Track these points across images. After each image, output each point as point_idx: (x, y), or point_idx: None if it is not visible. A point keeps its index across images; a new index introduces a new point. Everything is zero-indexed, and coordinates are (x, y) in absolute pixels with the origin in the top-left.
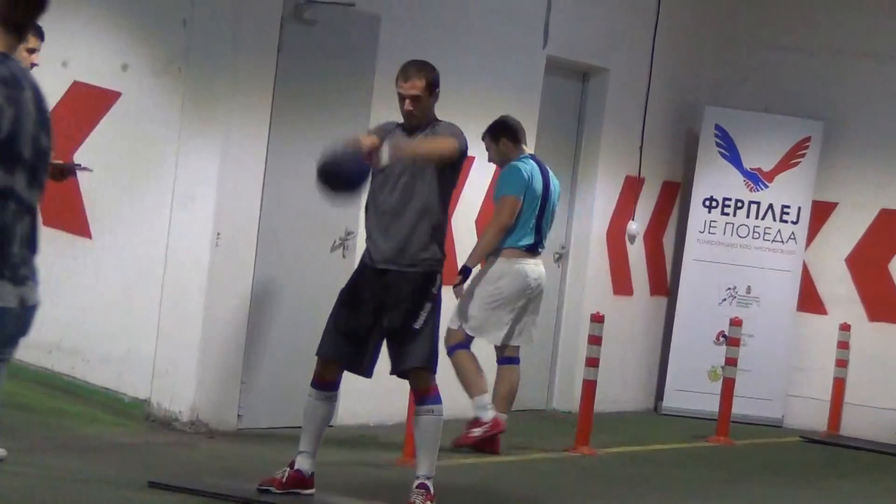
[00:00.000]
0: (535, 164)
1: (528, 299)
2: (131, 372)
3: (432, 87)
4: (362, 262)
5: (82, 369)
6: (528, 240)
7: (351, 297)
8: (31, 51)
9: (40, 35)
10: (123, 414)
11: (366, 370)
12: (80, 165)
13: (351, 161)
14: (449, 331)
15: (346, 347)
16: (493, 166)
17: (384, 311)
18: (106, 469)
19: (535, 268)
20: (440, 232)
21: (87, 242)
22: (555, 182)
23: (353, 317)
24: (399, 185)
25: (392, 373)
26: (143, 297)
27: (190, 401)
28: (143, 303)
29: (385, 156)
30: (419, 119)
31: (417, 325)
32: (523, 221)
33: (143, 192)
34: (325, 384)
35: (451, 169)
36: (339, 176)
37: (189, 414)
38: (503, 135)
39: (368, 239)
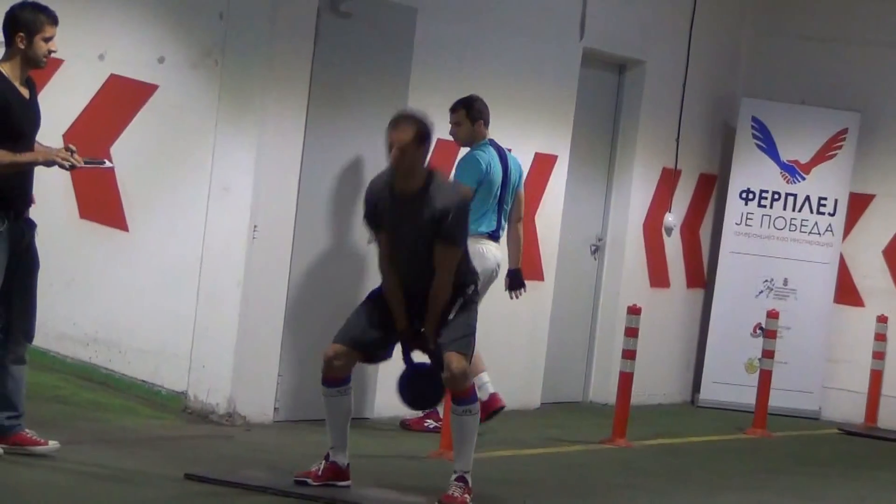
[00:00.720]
0: (493, 151)
1: (489, 282)
2: (168, 364)
3: (421, 138)
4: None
5: (119, 362)
6: (489, 226)
7: (382, 303)
8: (48, 39)
9: (53, 20)
10: (160, 406)
11: (385, 356)
12: (101, 161)
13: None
14: None
15: (369, 338)
16: (528, 156)
17: (413, 310)
18: (143, 462)
19: (496, 252)
20: (463, 271)
21: (123, 235)
22: (515, 163)
23: (383, 309)
24: (412, 256)
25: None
26: (179, 290)
27: (227, 393)
28: (180, 295)
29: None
30: (406, 171)
31: (451, 315)
32: (483, 209)
33: (180, 185)
34: (335, 380)
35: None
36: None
37: (226, 406)
38: (482, 117)
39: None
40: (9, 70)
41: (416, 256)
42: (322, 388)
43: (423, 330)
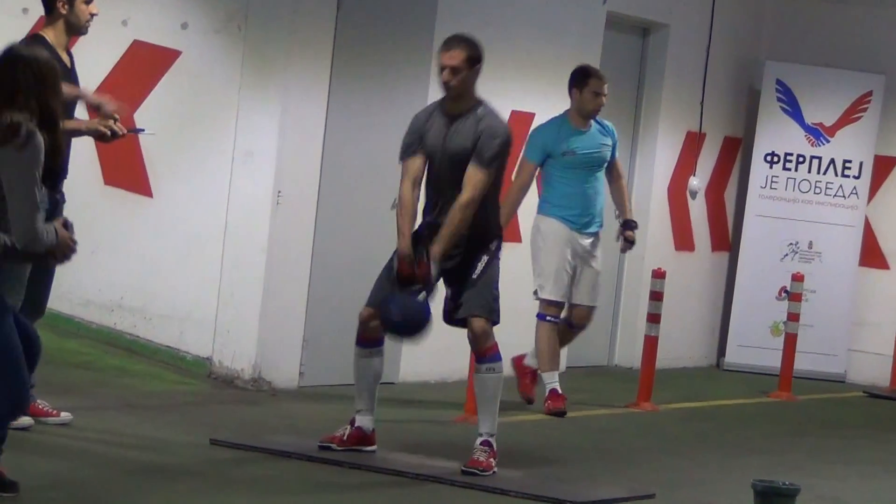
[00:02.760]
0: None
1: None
2: (193, 330)
3: (473, 61)
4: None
5: (144, 328)
6: None
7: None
8: (88, 1)
9: None
10: (185, 372)
11: None
12: (141, 130)
13: (418, 313)
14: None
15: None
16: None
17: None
18: (168, 427)
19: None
20: (488, 215)
21: (147, 201)
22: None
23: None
24: (445, 178)
25: (447, 320)
26: (204, 256)
27: (252, 359)
28: (205, 261)
29: (434, 269)
30: (458, 92)
31: (475, 275)
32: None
33: (204, 151)
34: (369, 340)
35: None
36: (415, 330)
37: (251, 372)
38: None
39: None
40: (53, 37)
41: (450, 181)
42: (355, 348)
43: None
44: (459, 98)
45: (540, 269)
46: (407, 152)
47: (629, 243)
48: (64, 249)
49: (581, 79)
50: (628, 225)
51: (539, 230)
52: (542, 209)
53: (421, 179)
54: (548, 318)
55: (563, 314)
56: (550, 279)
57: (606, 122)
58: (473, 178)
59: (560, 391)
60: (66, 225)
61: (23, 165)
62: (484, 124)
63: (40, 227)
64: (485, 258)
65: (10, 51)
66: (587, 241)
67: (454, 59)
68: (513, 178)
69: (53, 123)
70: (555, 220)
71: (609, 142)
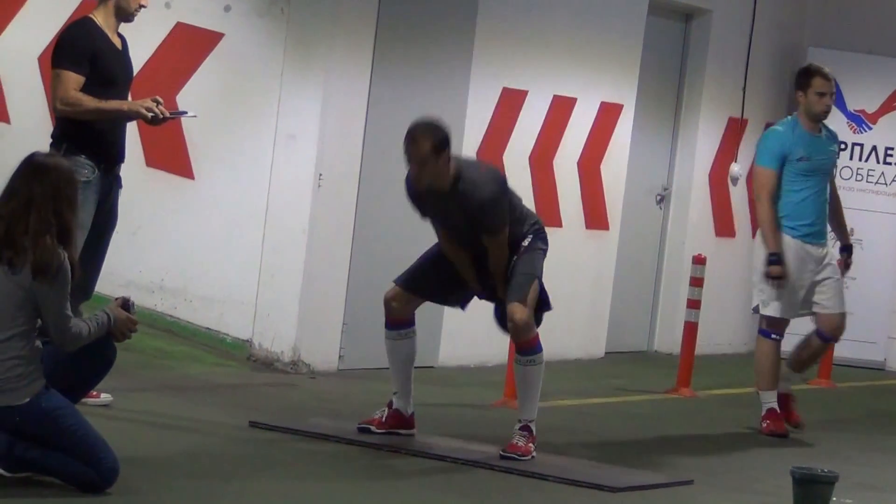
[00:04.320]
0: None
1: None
2: (233, 312)
3: (439, 149)
4: None
5: (185, 309)
6: None
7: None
8: None
9: None
10: (225, 354)
11: (455, 302)
12: (184, 112)
13: None
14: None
15: (431, 286)
16: (594, 106)
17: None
18: (208, 409)
19: None
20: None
21: (189, 183)
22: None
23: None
24: (464, 238)
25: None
26: (245, 238)
27: (291, 341)
28: (246, 243)
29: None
30: (430, 179)
31: (510, 272)
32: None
33: (246, 133)
34: (397, 322)
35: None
36: None
37: (291, 354)
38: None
39: None
40: (101, 19)
41: (467, 238)
42: (385, 331)
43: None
44: (435, 181)
45: (764, 283)
46: (421, 214)
47: (846, 268)
48: (123, 330)
49: (804, 80)
50: (848, 250)
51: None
52: None
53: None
54: (772, 335)
55: (786, 329)
56: (777, 296)
57: (830, 127)
58: (492, 244)
59: (779, 410)
60: (127, 305)
61: (57, 290)
62: (472, 202)
63: (75, 333)
64: (513, 258)
65: (31, 159)
66: (821, 252)
67: (419, 152)
68: (755, 194)
69: (67, 237)
70: (785, 237)
71: (836, 148)
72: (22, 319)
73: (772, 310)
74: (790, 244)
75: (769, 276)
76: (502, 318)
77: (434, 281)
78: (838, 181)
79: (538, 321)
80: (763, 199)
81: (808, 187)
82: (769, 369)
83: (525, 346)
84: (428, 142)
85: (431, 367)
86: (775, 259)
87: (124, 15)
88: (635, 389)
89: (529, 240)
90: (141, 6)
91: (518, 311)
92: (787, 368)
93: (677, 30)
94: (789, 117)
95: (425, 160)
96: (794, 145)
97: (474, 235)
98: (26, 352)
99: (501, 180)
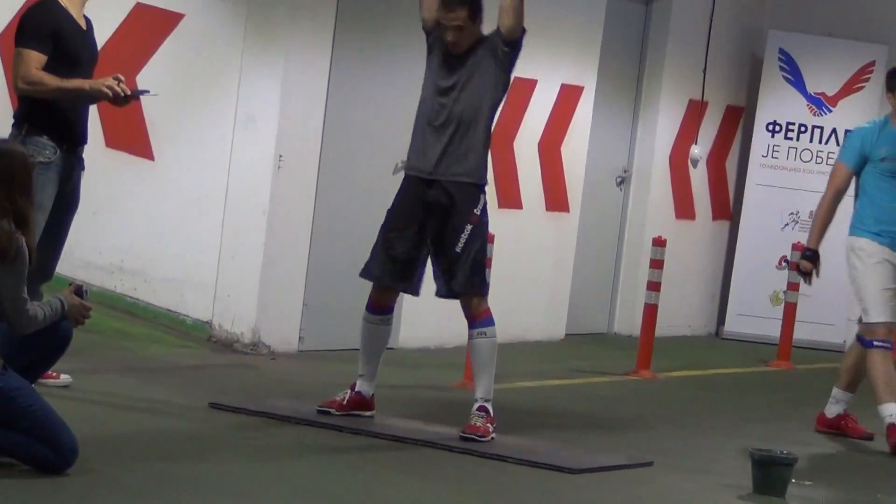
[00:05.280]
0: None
1: None
2: (193, 293)
3: (474, 14)
4: (406, 177)
5: (144, 291)
6: None
7: (397, 217)
8: None
9: None
10: (185, 335)
11: (413, 288)
12: (145, 91)
13: None
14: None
15: (391, 266)
16: (554, 88)
17: (427, 226)
18: (168, 390)
19: None
20: (482, 156)
21: (149, 164)
22: None
23: (400, 237)
24: (453, 89)
25: (437, 295)
26: (205, 219)
27: (252, 322)
28: (205, 224)
29: None
30: (465, 46)
31: (458, 249)
32: None
33: (206, 114)
34: (382, 308)
35: (508, 66)
36: None
37: (251, 335)
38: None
39: (413, 150)
40: (67, 0)
41: (455, 95)
42: (365, 313)
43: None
44: (465, 45)
45: (861, 292)
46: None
47: None
48: (76, 316)
49: (894, 81)
50: None
51: (853, 250)
52: (854, 228)
53: None
54: (875, 343)
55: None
56: (874, 301)
57: None
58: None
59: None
60: (80, 291)
61: (14, 274)
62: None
63: (31, 316)
64: (468, 227)
65: None
66: None
67: (458, 19)
68: (827, 184)
69: (23, 222)
70: (868, 241)
71: None
72: None
73: (872, 316)
74: (874, 248)
75: (798, 270)
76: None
77: (385, 262)
78: (797, 164)
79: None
80: (827, 194)
81: (893, 189)
82: (885, 379)
83: (475, 318)
84: (464, 8)
85: (392, 348)
86: (810, 255)
87: None
88: (595, 371)
89: (482, 210)
90: None
91: (473, 303)
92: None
93: (638, 11)
94: (882, 116)
95: (462, 26)
96: (878, 144)
97: (468, 91)
98: None
99: None
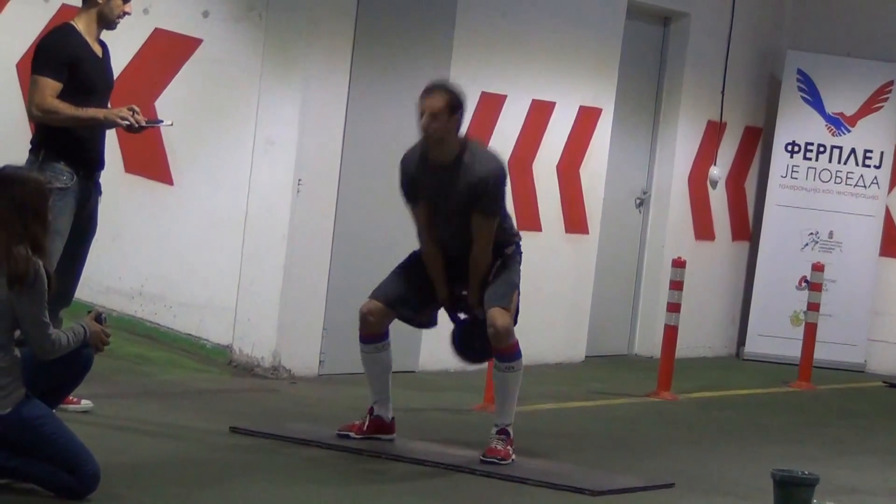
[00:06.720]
0: None
1: None
2: (213, 318)
3: (453, 108)
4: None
5: (165, 315)
6: None
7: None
8: (126, 0)
9: None
10: (206, 360)
11: (426, 322)
12: (160, 121)
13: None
14: None
15: (406, 299)
16: (573, 110)
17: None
18: (188, 415)
19: None
20: (501, 235)
21: (168, 189)
22: None
23: (425, 278)
24: (448, 224)
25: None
26: (224, 244)
27: (272, 347)
28: (225, 249)
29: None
30: (437, 137)
31: (490, 277)
32: None
33: (225, 139)
34: (372, 336)
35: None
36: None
37: (271, 360)
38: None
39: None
40: (83, 26)
41: (454, 226)
42: (360, 345)
43: (465, 293)
44: (441, 144)
45: None
46: (410, 199)
47: None
48: (97, 343)
49: None
50: None
51: None
52: None
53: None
54: None
55: None
56: None
57: None
58: (482, 227)
59: None
60: (99, 318)
61: (34, 298)
62: (474, 175)
63: (54, 340)
64: (498, 262)
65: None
66: None
67: (433, 105)
68: None
69: (39, 249)
70: None
71: None
72: (0, 331)
73: None
74: None
75: None
76: (460, 344)
77: (407, 294)
78: (816, 184)
79: None
80: None
81: None
82: None
83: (504, 352)
84: (444, 97)
85: (412, 371)
86: None
87: (107, 22)
88: (615, 393)
89: (513, 249)
90: (125, 13)
91: (499, 317)
92: None
93: (656, 33)
94: None
95: (438, 114)
96: None
97: (463, 222)
98: (6, 363)
99: (505, 165)
